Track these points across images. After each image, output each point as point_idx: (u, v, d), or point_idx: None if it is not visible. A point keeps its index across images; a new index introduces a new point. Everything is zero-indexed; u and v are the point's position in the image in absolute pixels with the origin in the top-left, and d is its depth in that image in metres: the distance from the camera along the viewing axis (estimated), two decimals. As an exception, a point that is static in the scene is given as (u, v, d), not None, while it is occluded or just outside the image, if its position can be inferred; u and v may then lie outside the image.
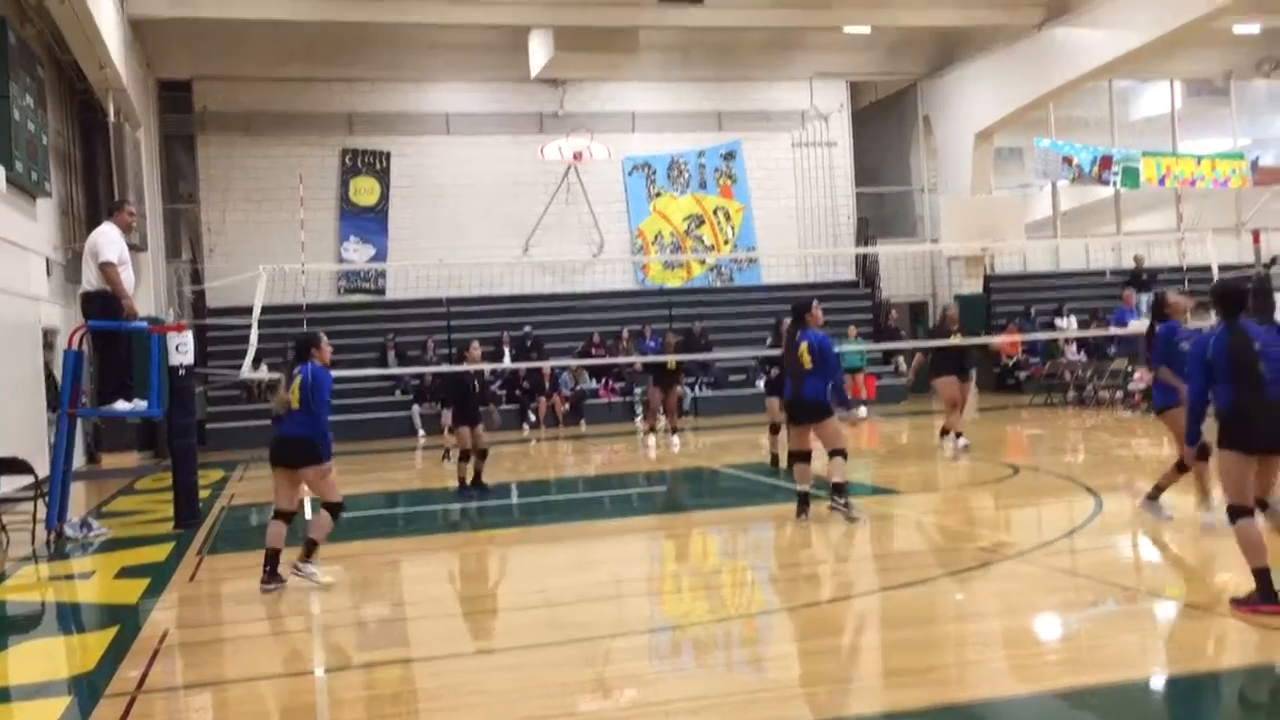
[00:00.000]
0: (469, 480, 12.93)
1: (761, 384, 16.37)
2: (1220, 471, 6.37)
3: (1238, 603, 6.15)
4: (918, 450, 16.30)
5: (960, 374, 14.29)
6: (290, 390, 8.12)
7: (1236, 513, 6.17)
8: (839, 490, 9.61)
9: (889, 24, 23.68)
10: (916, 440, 17.71)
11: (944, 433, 14.28)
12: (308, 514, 9.60)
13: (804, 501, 9.80)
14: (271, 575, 8.03)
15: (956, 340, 14.50)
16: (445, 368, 17.26)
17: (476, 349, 13.65)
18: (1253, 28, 24.92)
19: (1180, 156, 26.66)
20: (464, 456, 13.01)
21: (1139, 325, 17.62)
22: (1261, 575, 6.03)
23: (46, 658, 6.96)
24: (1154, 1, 20.25)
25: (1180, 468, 8.51)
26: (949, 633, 6.45)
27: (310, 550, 8.15)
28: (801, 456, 9.88)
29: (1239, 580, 6.42)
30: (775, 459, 13.08)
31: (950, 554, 8.53)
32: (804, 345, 9.78)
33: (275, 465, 8.27)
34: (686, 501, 12.90)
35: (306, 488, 8.45)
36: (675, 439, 17.26)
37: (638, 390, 22.65)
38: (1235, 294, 6.34)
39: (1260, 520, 6.30)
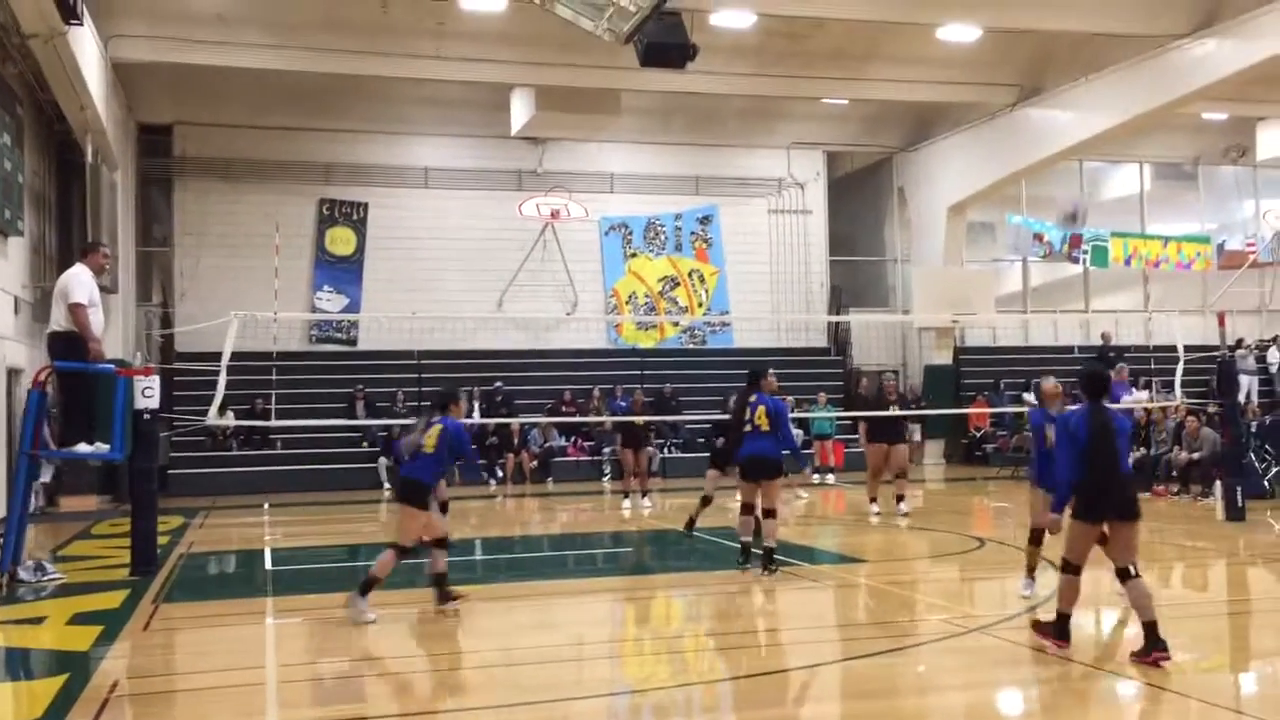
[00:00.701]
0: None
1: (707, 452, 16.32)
2: (1070, 537, 7.13)
3: (1038, 626, 7.28)
4: (885, 519, 16.29)
5: (889, 440, 15.24)
6: (426, 436, 8.89)
7: (1069, 567, 7.10)
8: (770, 553, 10.21)
9: (867, 97, 24.08)
10: (885, 509, 17.70)
11: (871, 499, 15.15)
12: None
13: (746, 552, 10.50)
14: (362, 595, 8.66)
15: (894, 412, 15.50)
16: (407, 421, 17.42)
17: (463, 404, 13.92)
18: (1220, 116, 25.52)
19: (1148, 238, 27.14)
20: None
21: (1132, 401, 17.97)
22: (1064, 618, 7.11)
23: (-8, 704, 6.80)
24: (1123, 87, 20.72)
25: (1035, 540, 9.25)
26: (910, 706, 6.41)
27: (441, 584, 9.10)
28: (748, 510, 10.58)
29: (1194, 658, 6.42)
30: (691, 523, 13.34)
31: (914, 625, 8.50)
32: (761, 409, 10.43)
33: (402, 502, 9.10)
34: (651, 563, 12.82)
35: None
36: (645, 500, 17.18)
37: (606, 450, 22.61)
38: (1098, 379, 7.20)
39: (1121, 588, 7.15)
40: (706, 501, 13.28)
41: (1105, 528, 7.06)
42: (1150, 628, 6.77)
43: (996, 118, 23.83)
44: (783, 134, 26.56)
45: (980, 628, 8.11)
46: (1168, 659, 6.66)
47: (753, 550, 10.50)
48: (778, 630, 8.75)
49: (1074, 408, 7.46)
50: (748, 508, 10.62)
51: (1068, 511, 7.13)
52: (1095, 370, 7.37)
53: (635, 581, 11.44)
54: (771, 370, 11.05)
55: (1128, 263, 26.36)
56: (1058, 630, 7.12)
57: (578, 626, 8.97)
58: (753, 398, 10.50)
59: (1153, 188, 29.07)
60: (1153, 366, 25.35)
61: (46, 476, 17.29)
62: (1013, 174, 24.34)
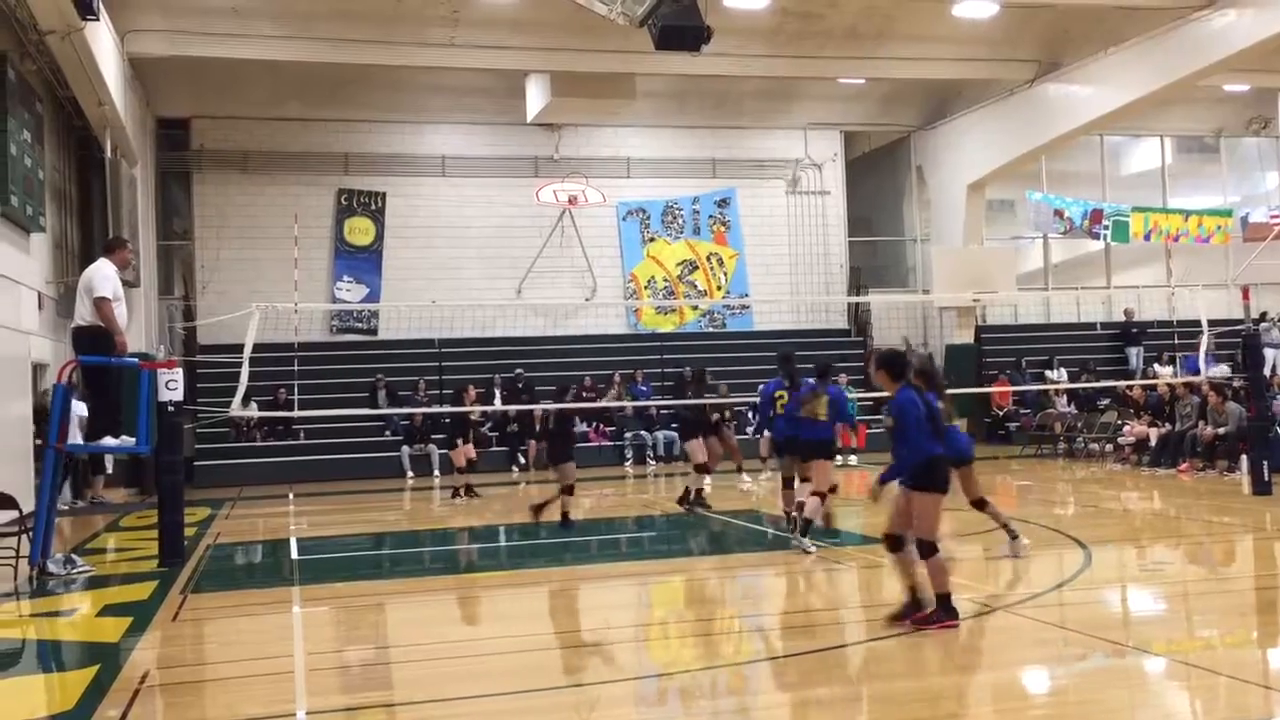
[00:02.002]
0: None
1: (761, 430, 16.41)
2: (930, 514, 7.38)
3: (919, 620, 7.24)
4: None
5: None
6: (818, 404, 10.90)
7: (932, 549, 7.30)
8: (807, 526, 10.70)
9: (883, 76, 23.94)
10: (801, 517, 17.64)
11: None
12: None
13: (790, 520, 11.16)
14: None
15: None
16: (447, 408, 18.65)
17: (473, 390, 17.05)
18: (1242, 87, 25.25)
19: (1168, 212, 26.89)
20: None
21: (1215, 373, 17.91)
22: (945, 598, 7.27)
23: (26, 696, 6.87)
24: (1143, 60, 20.52)
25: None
26: (936, 685, 6.40)
27: (806, 528, 10.43)
28: (790, 484, 11.53)
29: (1222, 634, 6.39)
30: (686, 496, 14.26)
31: (939, 605, 8.47)
32: (826, 398, 11.15)
33: (790, 455, 11.20)
34: (676, 547, 12.84)
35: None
36: (745, 477, 16.89)
37: (627, 434, 22.63)
38: (896, 360, 7.64)
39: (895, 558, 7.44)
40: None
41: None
42: (944, 599, 7.23)
43: (1015, 94, 23.64)
44: (799, 115, 26.43)
45: (1005, 606, 8.09)
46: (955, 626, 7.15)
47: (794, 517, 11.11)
48: (802, 612, 8.75)
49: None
50: (788, 481, 11.56)
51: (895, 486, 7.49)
52: (892, 352, 7.81)
53: (659, 565, 11.46)
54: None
55: (1147, 238, 26.14)
56: (945, 610, 7.28)
57: (604, 611, 9.00)
58: (820, 388, 11.26)
59: (1174, 161, 28.82)
60: (1177, 341, 25.18)
61: (109, 468, 17.52)
62: (1032, 150, 24.15)
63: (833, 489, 11.33)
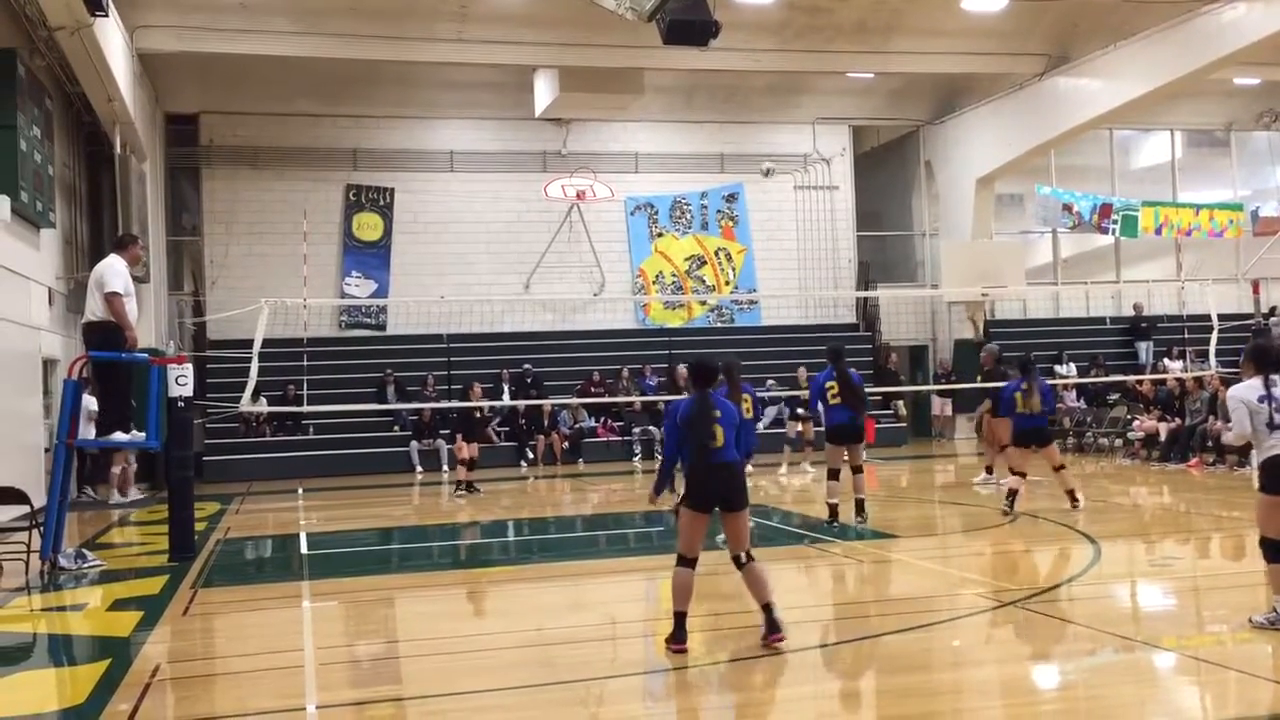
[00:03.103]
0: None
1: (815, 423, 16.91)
2: (680, 526, 7.08)
3: (670, 641, 6.80)
4: (917, 494, 16.27)
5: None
6: (1031, 399, 12.37)
7: (681, 561, 6.94)
8: (860, 503, 11.97)
9: (892, 70, 23.88)
10: (916, 483, 17.67)
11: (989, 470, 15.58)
12: None
13: (834, 512, 11.91)
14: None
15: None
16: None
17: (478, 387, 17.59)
18: (1252, 80, 25.14)
19: (1179, 206, 26.80)
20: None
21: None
22: (680, 617, 6.83)
23: (37, 689, 6.91)
24: (1153, 53, 20.44)
25: None
26: (945, 680, 6.41)
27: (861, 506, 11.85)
28: (835, 474, 12.06)
29: (1231, 629, 6.37)
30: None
31: (947, 599, 8.49)
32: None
33: (836, 444, 12.14)
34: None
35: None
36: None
37: (636, 430, 22.64)
38: (706, 369, 7.15)
39: (742, 575, 6.99)
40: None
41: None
42: (767, 609, 6.89)
43: (1024, 88, 23.57)
44: (808, 109, 26.38)
45: (1014, 601, 8.09)
46: (782, 640, 6.80)
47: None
48: (811, 607, 8.76)
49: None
50: (834, 472, 12.07)
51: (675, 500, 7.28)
52: (703, 361, 7.26)
53: (667, 561, 11.46)
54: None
55: (1159, 232, 26.05)
56: (675, 633, 6.82)
57: (611, 606, 9.01)
58: (837, 374, 11.97)
59: (1184, 155, 28.69)
60: (1186, 336, 25.11)
61: (132, 463, 17.71)
62: (1041, 144, 24.05)
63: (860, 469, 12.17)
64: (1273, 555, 6.70)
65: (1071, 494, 12.52)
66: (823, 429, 12.96)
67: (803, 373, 20.50)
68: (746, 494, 7.06)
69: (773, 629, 6.82)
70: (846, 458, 12.19)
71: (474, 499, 16.29)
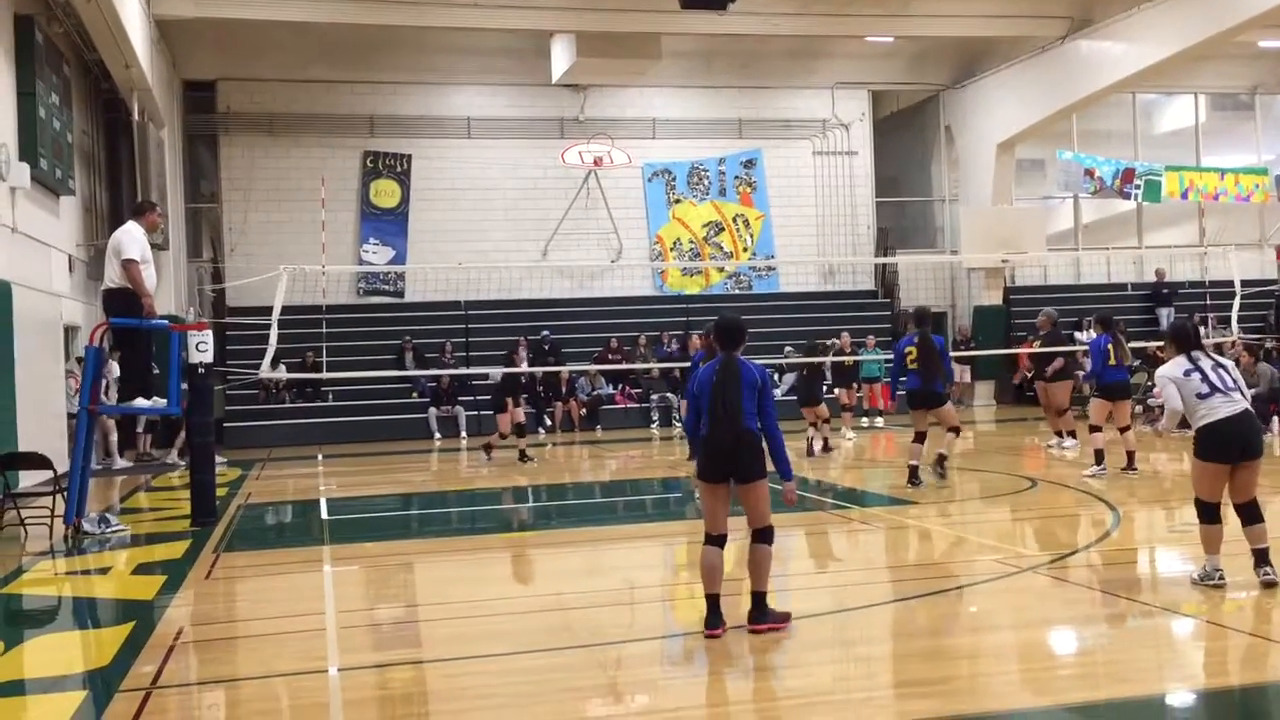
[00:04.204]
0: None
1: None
2: (701, 501, 6.77)
3: (706, 627, 6.39)
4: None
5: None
6: (1121, 348, 12.89)
7: (707, 539, 6.58)
8: (942, 459, 12.38)
9: (912, 34, 23.65)
10: (934, 451, 17.61)
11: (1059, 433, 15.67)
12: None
13: (914, 473, 12.12)
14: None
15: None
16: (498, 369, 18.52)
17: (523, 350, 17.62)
18: (1277, 43, 24.79)
19: (1203, 170, 26.50)
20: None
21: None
22: (712, 601, 6.46)
23: (62, 652, 7.00)
24: (1178, 15, 20.17)
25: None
26: (963, 644, 6.42)
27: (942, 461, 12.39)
28: (920, 437, 12.31)
29: (1251, 594, 6.35)
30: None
31: (966, 565, 8.49)
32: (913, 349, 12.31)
33: (918, 408, 12.24)
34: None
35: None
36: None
37: (654, 397, 22.66)
38: (734, 329, 6.66)
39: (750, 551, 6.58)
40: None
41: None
42: (755, 598, 6.47)
43: (1046, 51, 23.31)
44: (826, 74, 26.16)
45: (1032, 567, 8.08)
46: (759, 631, 6.37)
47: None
48: (828, 573, 8.78)
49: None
50: (919, 435, 12.29)
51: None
52: (729, 321, 6.77)
53: (685, 526, 11.51)
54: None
55: (1184, 196, 25.77)
56: (710, 616, 6.42)
57: (629, 571, 9.05)
58: (920, 339, 12.23)
59: (1208, 119, 28.36)
60: (1209, 302, 24.91)
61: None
62: (1063, 109, 23.82)
63: (956, 429, 12.64)
64: (1206, 517, 7.08)
65: (1131, 456, 12.71)
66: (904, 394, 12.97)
67: (846, 338, 20.53)
68: (761, 464, 6.48)
69: (754, 618, 6.41)
70: (935, 421, 12.39)
71: (494, 465, 16.35)
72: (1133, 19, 21.14)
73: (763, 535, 6.53)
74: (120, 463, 17.46)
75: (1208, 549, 7.13)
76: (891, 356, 13.97)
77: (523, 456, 16.16)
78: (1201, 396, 7.06)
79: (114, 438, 17.56)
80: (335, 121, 24.30)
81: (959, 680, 5.72)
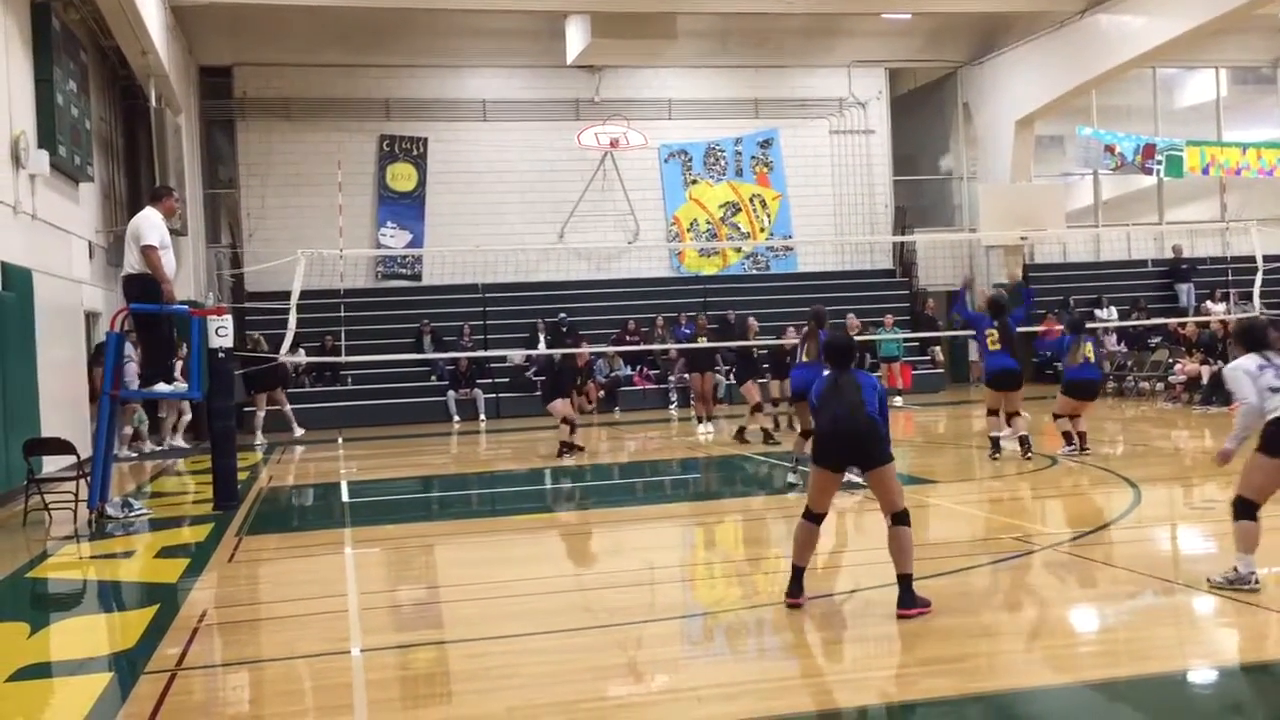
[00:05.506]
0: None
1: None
2: (810, 481, 6.93)
3: (787, 595, 6.61)
4: (954, 440, 16.21)
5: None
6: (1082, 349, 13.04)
7: (806, 514, 6.72)
8: (1024, 441, 12.77)
9: (929, 10, 23.47)
10: (954, 430, 17.60)
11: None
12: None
13: (996, 444, 12.75)
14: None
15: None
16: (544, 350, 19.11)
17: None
18: (1301, 14, 24.49)
19: (1225, 145, 26.22)
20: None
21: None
22: (797, 571, 6.63)
23: (88, 635, 7.08)
24: (1199, -12, 19.95)
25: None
26: (982, 622, 6.41)
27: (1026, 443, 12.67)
28: (994, 413, 12.90)
29: (1271, 571, 6.32)
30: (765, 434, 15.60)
31: (986, 544, 8.48)
32: (994, 332, 12.90)
33: (996, 389, 12.89)
34: (720, 489, 12.90)
35: None
36: (708, 427, 17.26)
37: (671, 378, 22.65)
38: (844, 349, 6.87)
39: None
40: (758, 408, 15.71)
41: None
42: (902, 580, 6.43)
43: (1065, 26, 23.09)
44: (843, 52, 26.00)
45: (1054, 545, 8.07)
46: (909, 616, 6.30)
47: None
48: (849, 551, 8.78)
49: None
50: (993, 411, 12.91)
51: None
52: (839, 341, 7.05)
53: (704, 507, 11.53)
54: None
55: (1205, 172, 25.49)
56: (793, 585, 6.61)
57: (648, 552, 9.08)
58: (999, 325, 12.82)
59: (1229, 94, 28.06)
60: (1230, 278, 24.72)
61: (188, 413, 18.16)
62: (1082, 84, 23.61)
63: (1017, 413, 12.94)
64: (1245, 512, 6.69)
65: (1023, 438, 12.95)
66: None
67: (853, 319, 20.48)
68: (885, 449, 6.61)
69: (903, 602, 6.34)
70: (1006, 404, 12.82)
71: (516, 449, 16.38)
72: (1153, -8, 20.92)
73: (900, 518, 6.54)
74: (149, 447, 17.60)
75: (1244, 547, 6.63)
76: (904, 337, 14.24)
77: (571, 449, 15.23)
78: (1275, 390, 6.67)
79: (145, 427, 17.68)
80: (351, 105, 24.31)
81: (977, 658, 5.72)
